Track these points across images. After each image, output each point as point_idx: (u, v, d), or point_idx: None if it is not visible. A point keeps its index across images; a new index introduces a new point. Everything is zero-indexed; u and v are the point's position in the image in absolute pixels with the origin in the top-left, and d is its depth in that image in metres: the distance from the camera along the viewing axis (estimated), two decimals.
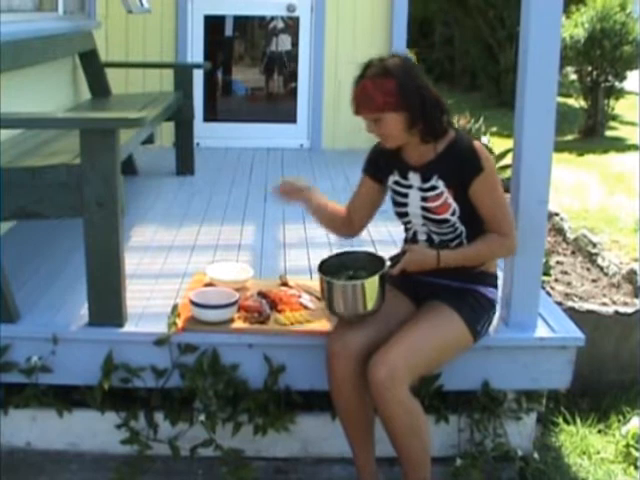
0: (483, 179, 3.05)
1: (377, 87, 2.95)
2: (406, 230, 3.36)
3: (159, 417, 3.47)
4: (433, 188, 3.13)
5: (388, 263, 3.10)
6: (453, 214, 3.13)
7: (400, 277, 3.17)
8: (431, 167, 3.13)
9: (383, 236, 4.57)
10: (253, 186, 6.27)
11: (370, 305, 3.06)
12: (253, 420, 3.42)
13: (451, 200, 3.11)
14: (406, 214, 3.26)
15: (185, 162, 6.61)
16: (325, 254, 3.39)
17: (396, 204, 3.29)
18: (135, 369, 3.38)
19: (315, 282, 3.48)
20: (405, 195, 3.23)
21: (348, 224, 3.43)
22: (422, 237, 3.26)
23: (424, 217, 3.20)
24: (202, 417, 3.37)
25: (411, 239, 3.32)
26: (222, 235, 4.93)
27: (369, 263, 3.15)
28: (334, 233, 3.51)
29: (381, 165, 3.30)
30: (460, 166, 3.06)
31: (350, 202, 3.44)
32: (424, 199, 3.16)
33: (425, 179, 3.15)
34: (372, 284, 3.03)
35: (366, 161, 3.35)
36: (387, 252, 3.37)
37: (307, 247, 4.69)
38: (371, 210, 3.41)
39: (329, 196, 5.64)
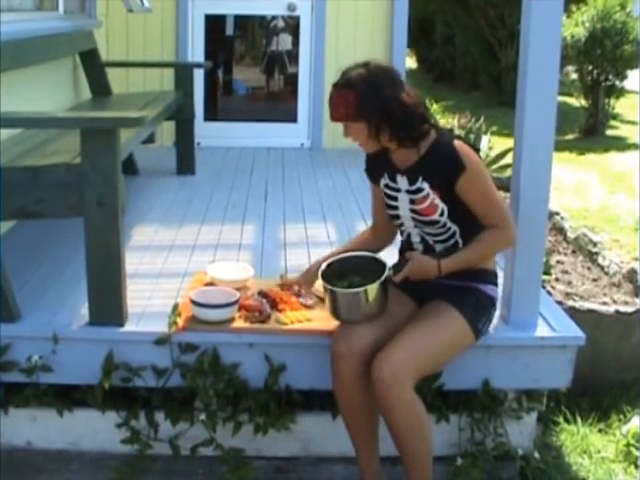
0: (467, 177, 3.04)
1: (340, 98, 3.02)
2: (400, 233, 3.38)
3: (160, 416, 3.46)
4: (419, 190, 3.14)
5: (390, 270, 3.14)
6: (442, 215, 3.14)
7: (403, 283, 3.22)
8: (415, 169, 3.14)
9: None
10: (254, 186, 6.27)
11: (372, 310, 3.10)
12: (253, 419, 3.41)
13: (438, 201, 3.12)
14: (398, 217, 3.28)
15: (186, 161, 6.61)
16: (325, 253, 3.40)
17: (388, 207, 3.31)
18: (136, 368, 3.37)
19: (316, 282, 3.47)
20: (395, 198, 3.25)
21: (380, 237, 3.47)
22: (416, 239, 3.28)
23: (414, 219, 3.22)
24: (203, 416, 3.37)
25: (406, 241, 3.34)
26: (223, 234, 4.92)
27: (371, 268, 3.15)
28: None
29: (373, 168, 3.34)
30: (442, 167, 3.07)
31: (371, 212, 3.49)
32: (412, 201, 3.18)
33: (411, 182, 3.16)
34: (374, 291, 3.06)
35: (365, 165, 3.40)
36: (387, 254, 3.40)
37: (307, 246, 4.69)
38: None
39: (329, 194, 5.69)
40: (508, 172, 3.89)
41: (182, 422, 3.42)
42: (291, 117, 8.12)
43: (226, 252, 4.55)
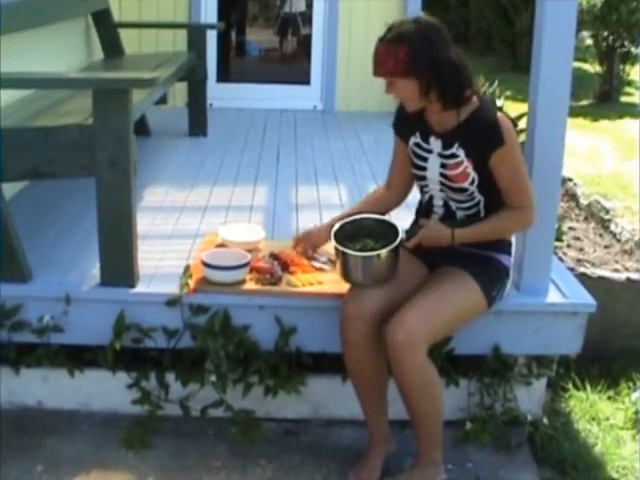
0: (503, 152, 3.00)
1: (389, 52, 2.93)
2: (422, 193, 3.34)
3: (170, 378, 3.48)
4: (453, 156, 3.09)
5: (403, 234, 3.12)
6: (472, 183, 3.11)
7: (416, 249, 3.20)
8: (453, 135, 3.09)
9: None
10: (266, 147, 6.25)
11: (384, 274, 3.09)
12: (263, 381, 3.42)
13: (470, 169, 3.09)
14: (424, 178, 3.24)
15: (198, 123, 6.59)
16: (337, 214, 3.43)
17: (415, 167, 3.26)
18: (146, 329, 3.38)
19: (329, 245, 3.46)
20: (424, 159, 3.20)
21: (393, 194, 3.45)
22: (438, 202, 3.26)
23: (442, 184, 3.18)
24: (213, 378, 3.38)
25: (427, 203, 3.31)
26: (234, 196, 4.91)
27: (384, 231, 3.14)
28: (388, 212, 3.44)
29: (404, 124, 3.27)
30: (481, 137, 3.02)
31: (390, 167, 3.44)
32: (443, 166, 3.13)
33: (446, 146, 3.11)
34: (386, 255, 3.06)
35: (393, 119, 3.33)
36: (398, 215, 3.40)
37: (319, 208, 4.67)
38: (409, 171, 3.35)
39: (341, 157, 5.67)
40: (522, 137, 3.86)
41: (192, 383, 3.44)
42: (304, 79, 8.08)
43: (238, 214, 4.55)
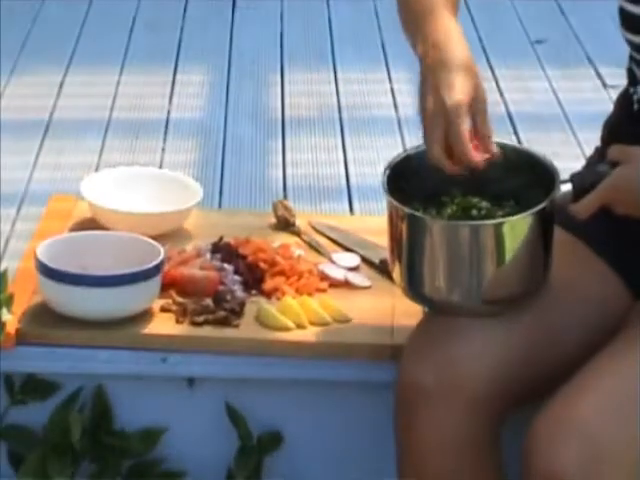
0: None
1: None
2: (631, 78, 2.42)
3: None
4: None
5: (565, 185, 2.19)
6: None
7: (597, 221, 2.24)
8: None
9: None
10: None
11: (513, 282, 2.27)
12: None
13: None
14: None
15: None
16: (390, 148, 3.08)
17: None
18: None
19: (362, 221, 2.98)
20: None
21: None
22: None
23: None
24: None
25: None
26: (121, 95, 4.12)
27: (516, 177, 2.29)
28: None
29: None
30: None
31: None
32: None
33: None
34: (520, 231, 2.24)
35: None
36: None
37: (340, 123, 3.79)
38: None
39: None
40: None
41: None
42: None
43: (131, 140, 3.83)
